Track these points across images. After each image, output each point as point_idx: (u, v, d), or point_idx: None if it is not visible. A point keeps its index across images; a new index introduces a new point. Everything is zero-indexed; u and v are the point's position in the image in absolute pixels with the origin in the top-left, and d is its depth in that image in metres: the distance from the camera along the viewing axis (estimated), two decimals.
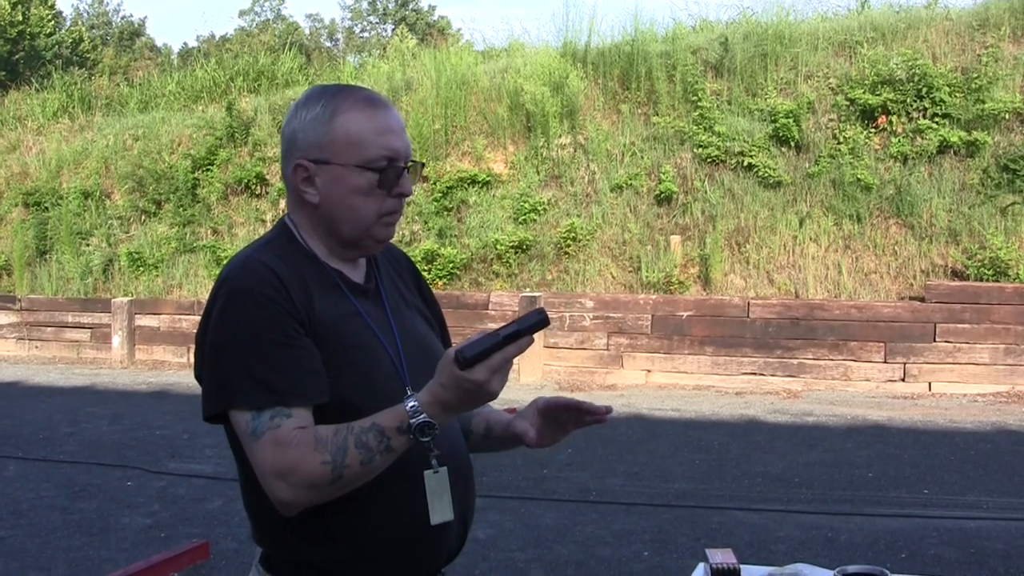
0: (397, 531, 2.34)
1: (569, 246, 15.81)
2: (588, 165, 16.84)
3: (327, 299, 2.36)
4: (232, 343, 2.25)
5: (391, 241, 2.54)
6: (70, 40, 48.99)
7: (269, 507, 2.25)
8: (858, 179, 15.12)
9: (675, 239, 15.50)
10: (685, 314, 14.29)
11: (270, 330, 2.23)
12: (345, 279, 2.44)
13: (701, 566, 3.11)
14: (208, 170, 19.11)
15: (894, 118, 15.59)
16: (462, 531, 2.49)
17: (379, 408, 2.21)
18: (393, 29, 60.49)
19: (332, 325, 2.33)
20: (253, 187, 18.66)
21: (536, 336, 2.16)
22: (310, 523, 2.29)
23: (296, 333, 2.26)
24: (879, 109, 15.64)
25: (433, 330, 2.66)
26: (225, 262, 2.44)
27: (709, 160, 16.14)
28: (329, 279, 2.40)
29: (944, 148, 15.19)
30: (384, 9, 66.20)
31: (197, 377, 2.35)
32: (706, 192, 15.86)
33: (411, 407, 2.16)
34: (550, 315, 2.28)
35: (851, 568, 2.84)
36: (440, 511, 2.36)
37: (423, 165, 2.53)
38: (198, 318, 17.26)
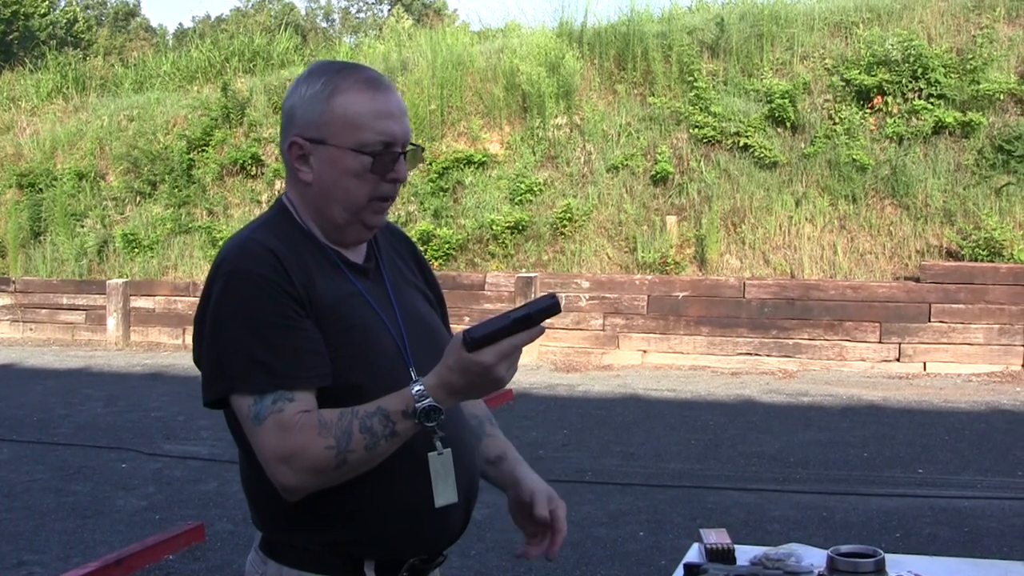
0: (401, 513, 2.32)
1: (565, 227, 15.80)
2: (584, 146, 16.83)
3: (327, 279, 2.33)
4: (231, 326, 2.22)
5: (390, 220, 2.50)
6: (64, 20, 48.82)
7: (270, 491, 2.24)
8: (853, 160, 15.10)
9: (671, 220, 15.49)
10: (681, 295, 14.29)
11: (270, 312, 2.21)
12: (344, 259, 2.40)
13: (695, 546, 3.11)
14: (203, 151, 19.05)
15: (889, 99, 15.58)
16: (465, 513, 2.46)
17: (383, 389, 2.20)
18: (389, 10, 60.40)
19: (332, 306, 2.30)
20: (249, 168, 18.61)
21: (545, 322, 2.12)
22: (312, 507, 2.26)
23: (296, 315, 2.23)
24: (874, 90, 15.62)
25: (434, 309, 2.62)
26: (222, 243, 2.41)
27: (705, 141, 16.12)
28: (329, 259, 2.38)
29: (939, 129, 15.17)
30: None
31: (196, 361, 2.33)
32: (702, 172, 15.85)
33: (417, 391, 2.14)
34: None
35: (844, 548, 2.85)
36: (444, 493, 2.33)
37: (423, 150, 2.49)
38: (193, 299, 17.04)
